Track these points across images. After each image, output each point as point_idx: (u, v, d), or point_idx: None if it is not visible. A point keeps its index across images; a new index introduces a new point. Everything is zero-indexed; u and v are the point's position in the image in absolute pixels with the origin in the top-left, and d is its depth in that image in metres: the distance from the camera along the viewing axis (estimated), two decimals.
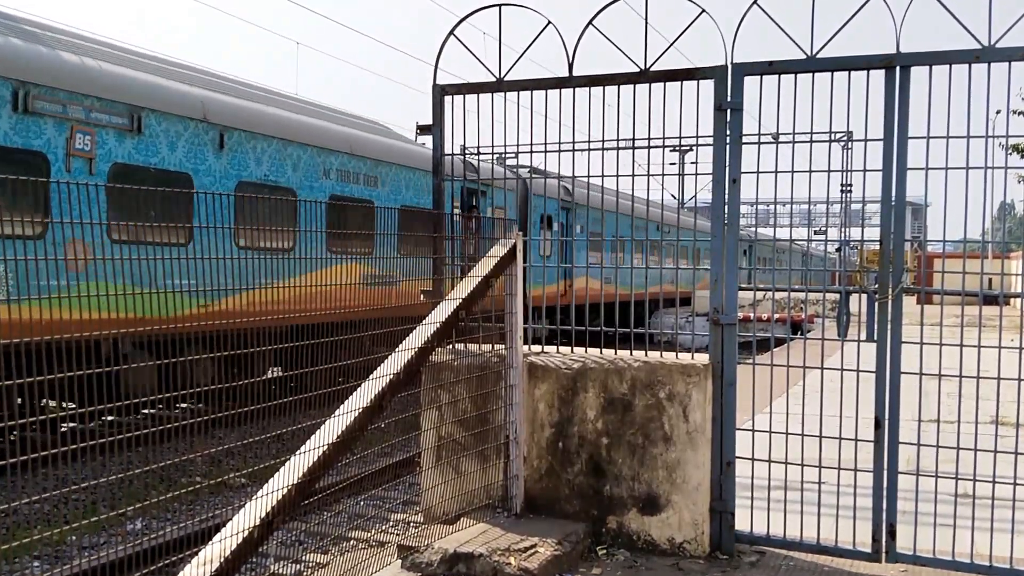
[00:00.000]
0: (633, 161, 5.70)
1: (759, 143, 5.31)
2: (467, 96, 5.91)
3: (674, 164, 35.61)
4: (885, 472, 4.98)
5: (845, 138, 5.67)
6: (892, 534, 4.99)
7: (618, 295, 15.17)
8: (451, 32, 5.87)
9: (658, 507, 5.32)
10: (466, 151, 6.16)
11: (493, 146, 5.76)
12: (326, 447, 3.92)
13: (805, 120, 4.98)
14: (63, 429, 11.47)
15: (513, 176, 19.16)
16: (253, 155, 13.63)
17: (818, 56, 5.00)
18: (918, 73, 4.85)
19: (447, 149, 6.03)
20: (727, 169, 5.21)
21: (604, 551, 5.31)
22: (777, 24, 5.09)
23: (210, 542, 3.40)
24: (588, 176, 5.81)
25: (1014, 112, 22.60)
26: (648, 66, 5.38)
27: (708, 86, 5.23)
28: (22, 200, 8.29)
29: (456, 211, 18.25)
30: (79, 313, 3.58)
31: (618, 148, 5.52)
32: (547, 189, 20.34)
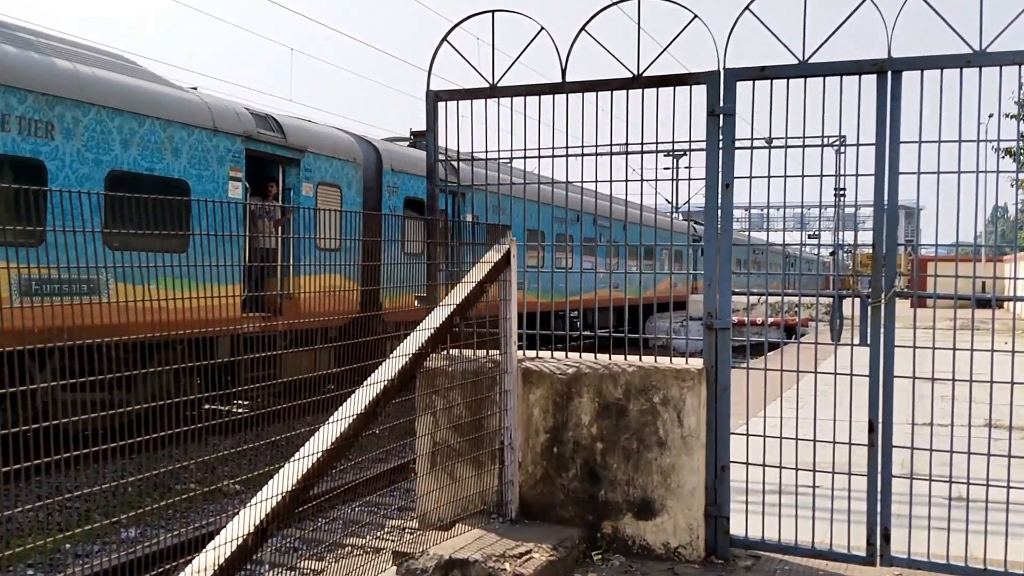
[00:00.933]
0: (627, 166, 5.71)
1: (752, 148, 5.32)
2: (461, 102, 5.92)
3: (668, 169, 35.69)
4: (879, 476, 4.99)
5: (838, 142, 5.68)
6: (887, 538, 5.00)
7: (539, 304, 11.70)
8: (444, 38, 5.89)
9: (653, 512, 5.32)
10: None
11: (487, 151, 5.76)
12: (320, 454, 3.91)
13: (798, 125, 4.99)
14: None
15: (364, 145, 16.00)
16: None
17: (810, 61, 5.01)
18: (910, 78, 4.87)
19: (441, 155, 6.03)
20: (720, 174, 5.23)
21: (599, 556, 5.30)
22: (769, 29, 5.11)
23: (203, 550, 3.39)
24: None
25: (1005, 116, 22.66)
26: (641, 72, 5.39)
27: (701, 91, 5.24)
28: None
29: (236, 182, 12.85)
30: None
31: (611, 153, 5.53)
32: (415, 163, 16.83)
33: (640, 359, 5.48)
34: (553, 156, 5.68)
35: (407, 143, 19.03)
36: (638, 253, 21.99)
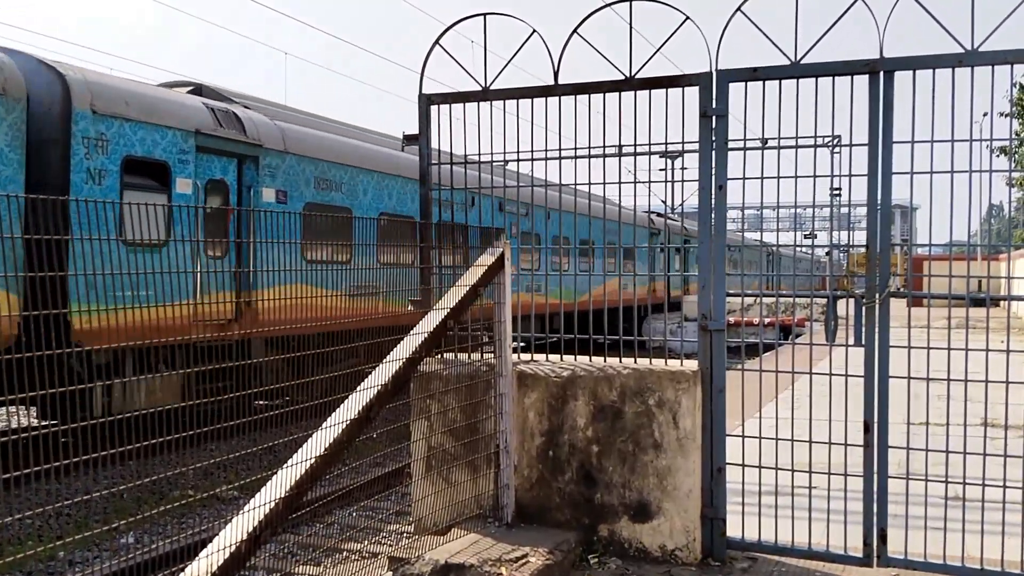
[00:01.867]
0: (620, 167, 5.71)
1: (745, 148, 5.32)
2: (453, 105, 5.91)
3: (663, 170, 35.71)
4: (875, 476, 4.98)
5: (832, 142, 5.67)
6: (883, 538, 4.99)
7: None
8: (436, 41, 5.88)
9: (649, 514, 5.31)
10: None
11: (480, 154, 5.75)
12: (314, 460, 3.90)
13: (791, 125, 4.99)
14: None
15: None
16: None
17: (802, 62, 5.01)
18: (902, 78, 4.87)
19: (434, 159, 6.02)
20: (713, 175, 5.22)
21: (596, 559, 5.29)
22: (761, 30, 5.11)
23: (196, 557, 3.38)
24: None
25: (998, 115, 22.72)
26: (633, 73, 5.38)
27: (693, 93, 5.24)
28: None
29: None
30: None
31: (604, 155, 5.52)
32: (146, 106, 11.66)
33: (635, 361, 5.47)
34: (546, 158, 5.67)
35: (187, 90, 13.85)
36: (566, 247, 16.48)
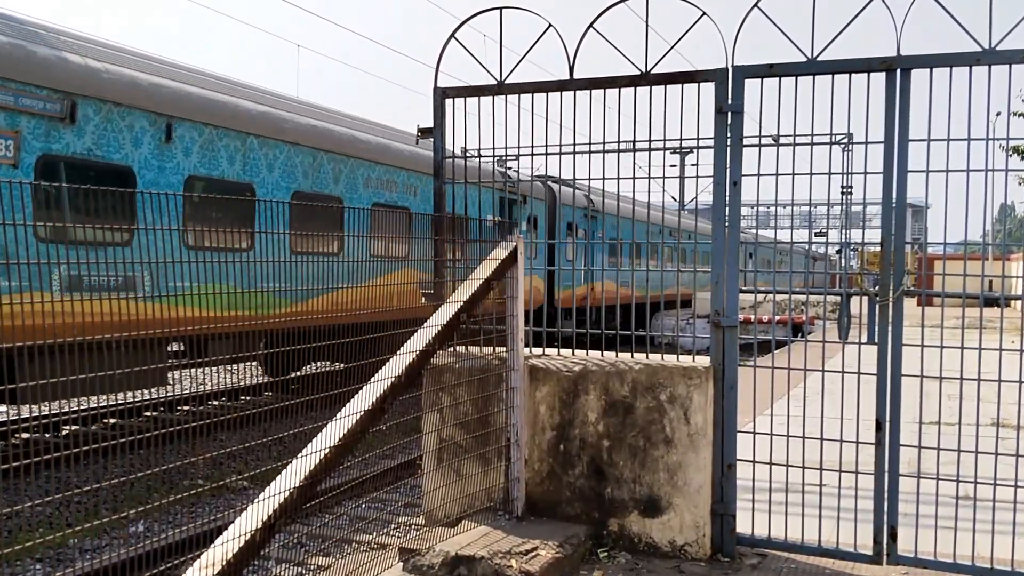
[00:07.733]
0: (634, 163, 5.71)
1: (759, 145, 5.31)
2: (468, 99, 5.92)
3: (675, 166, 35.61)
4: (886, 474, 4.98)
5: (845, 140, 5.67)
6: (893, 536, 4.99)
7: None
8: (452, 35, 5.88)
9: (659, 509, 5.32)
10: None
11: (494, 148, 5.76)
12: (328, 450, 3.92)
13: (806, 122, 4.99)
14: (64, 432, 11.48)
15: None
16: None
17: (819, 59, 5.00)
18: (919, 76, 4.85)
19: (448, 151, 6.03)
20: (727, 171, 5.22)
21: (605, 554, 5.31)
22: (778, 27, 5.10)
23: (212, 545, 3.40)
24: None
25: (1014, 114, 22.60)
26: (648, 69, 5.38)
27: (709, 88, 5.24)
28: None
29: None
30: None
31: (619, 151, 5.53)
32: None
33: (647, 357, 5.48)
34: (560, 153, 5.68)
35: None
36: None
